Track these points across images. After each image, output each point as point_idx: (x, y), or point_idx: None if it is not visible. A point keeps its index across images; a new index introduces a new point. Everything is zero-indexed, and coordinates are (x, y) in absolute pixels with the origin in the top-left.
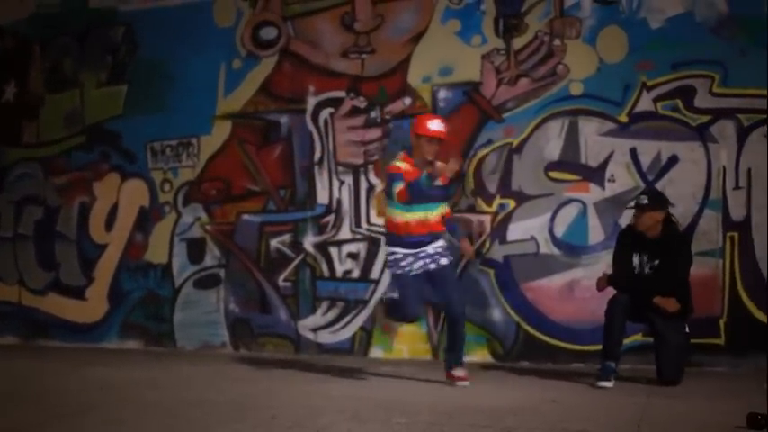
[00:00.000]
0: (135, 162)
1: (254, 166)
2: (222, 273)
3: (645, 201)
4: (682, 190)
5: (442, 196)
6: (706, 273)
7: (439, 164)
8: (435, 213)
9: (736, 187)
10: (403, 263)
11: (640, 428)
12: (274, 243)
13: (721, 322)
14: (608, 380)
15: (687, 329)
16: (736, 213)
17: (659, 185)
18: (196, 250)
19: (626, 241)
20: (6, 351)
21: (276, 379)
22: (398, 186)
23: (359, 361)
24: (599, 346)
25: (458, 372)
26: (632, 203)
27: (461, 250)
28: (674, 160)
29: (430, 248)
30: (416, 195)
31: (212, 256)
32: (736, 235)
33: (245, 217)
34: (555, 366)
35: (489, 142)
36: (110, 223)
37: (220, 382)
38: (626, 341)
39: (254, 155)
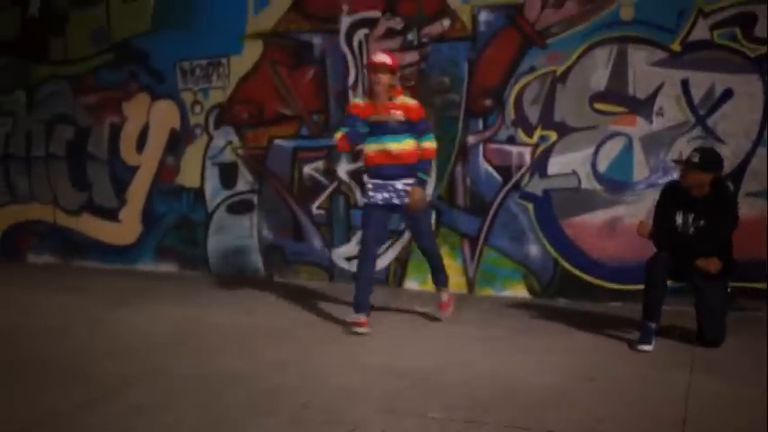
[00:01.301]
0: (164, 82)
1: (287, 89)
2: (255, 198)
3: (695, 159)
4: (734, 126)
5: (404, 129)
6: (753, 215)
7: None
8: (398, 146)
9: None
10: (371, 193)
11: (685, 427)
12: (308, 170)
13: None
14: (648, 343)
15: (729, 289)
16: None
17: (711, 121)
18: (228, 175)
19: (671, 197)
20: (46, 273)
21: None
22: (337, 135)
23: (393, 294)
24: (639, 286)
25: (443, 295)
26: (681, 158)
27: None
28: (728, 94)
29: (399, 183)
30: (354, 139)
31: (245, 181)
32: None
33: (278, 142)
34: (593, 306)
35: (532, 69)
36: (141, 145)
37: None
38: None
39: (286, 77)
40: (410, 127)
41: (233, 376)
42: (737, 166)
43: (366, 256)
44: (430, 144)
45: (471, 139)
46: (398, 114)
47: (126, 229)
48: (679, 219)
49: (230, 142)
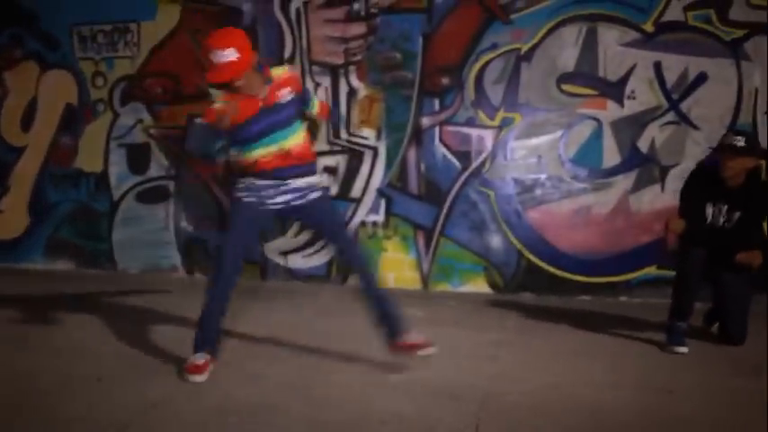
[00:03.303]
0: (57, 49)
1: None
2: (171, 186)
3: (741, 143)
4: (708, 111)
5: (292, 115)
6: None
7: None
8: (295, 142)
9: None
10: (262, 192)
11: None
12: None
13: None
14: (683, 344)
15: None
16: (766, 139)
17: (684, 106)
18: (138, 158)
19: (701, 187)
20: None
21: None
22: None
23: (336, 292)
24: (610, 278)
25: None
26: (721, 144)
27: None
28: (702, 78)
29: (300, 182)
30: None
31: (159, 165)
32: (762, 163)
33: (200, 121)
34: (560, 300)
35: (494, 47)
36: (27, 122)
37: None
38: (640, 273)
39: None
40: (297, 104)
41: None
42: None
43: (224, 271)
44: (320, 102)
45: (426, 121)
46: (288, 93)
47: (9, 220)
48: (709, 210)
49: (141, 121)
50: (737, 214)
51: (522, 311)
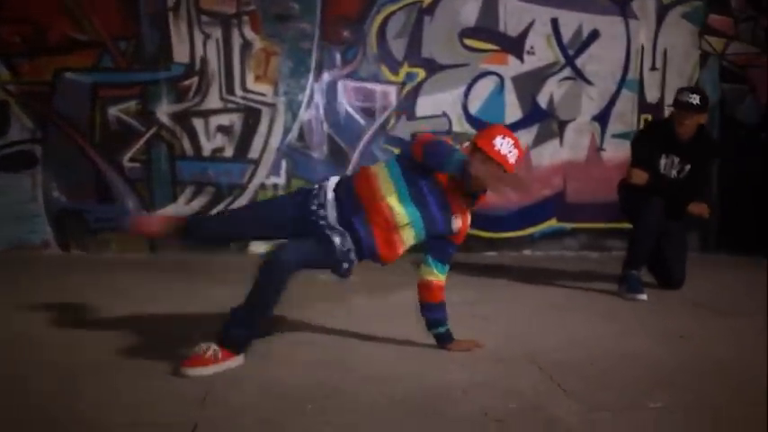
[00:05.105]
0: None
1: (78, 6)
2: (38, 150)
3: (696, 101)
4: (601, 67)
5: None
6: (621, 156)
7: None
8: None
9: (653, 68)
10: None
11: None
12: (114, 111)
13: None
14: (642, 292)
15: None
16: (652, 95)
17: (579, 61)
18: None
19: (653, 139)
20: None
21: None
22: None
23: (235, 261)
24: (513, 234)
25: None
26: (676, 101)
27: None
28: (594, 35)
29: None
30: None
31: (21, 127)
32: (650, 117)
33: (70, 76)
34: (468, 257)
35: None
36: None
37: None
38: (542, 227)
39: None
40: None
41: None
42: (604, 107)
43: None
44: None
45: (327, 76)
46: None
47: None
48: (662, 162)
49: None
50: (688, 167)
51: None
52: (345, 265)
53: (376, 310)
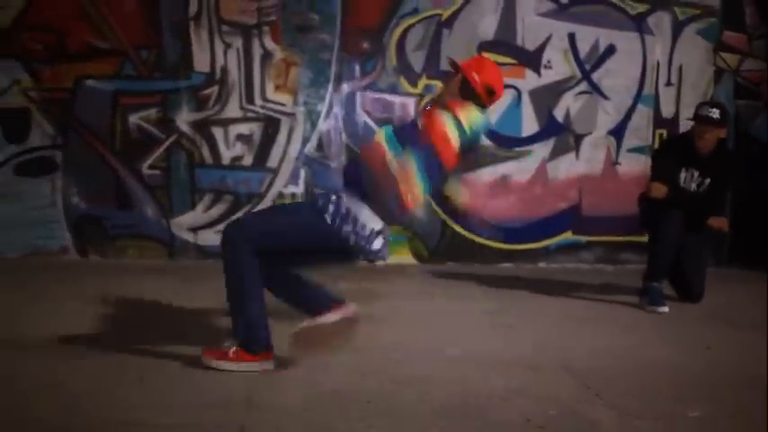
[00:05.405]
0: None
1: (100, 15)
2: (59, 156)
3: (716, 115)
4: (617, 82)
5: None
6: (636, 170)
7: None
8: None
9: (668, 83)
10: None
11: None
12: (134, 119)
13: None
14: (664, 304)
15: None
16: (667, 110)
17: (596, 76)
18: (16, 125)
19: (673, 153)
20: None
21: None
22: None
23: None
24: (528, 246)
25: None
26: (696, 115)
27: None
28: (611, 50)
29: None
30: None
31: (42, 133)
32: (665, 133)
33: (91, 83)
34: (485, 268)
35: (415, 12)
36: None
37: None
38: (558, 239)
39: None
40: None
41: None
42: (620, 122)
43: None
44: None
45: (346, 87)
46: None
47: None
48: (682, 175)
49: (17, 81)
50: (708, 180)
51: (468, 280)
52: (366, 245)
53: (415, 317)
